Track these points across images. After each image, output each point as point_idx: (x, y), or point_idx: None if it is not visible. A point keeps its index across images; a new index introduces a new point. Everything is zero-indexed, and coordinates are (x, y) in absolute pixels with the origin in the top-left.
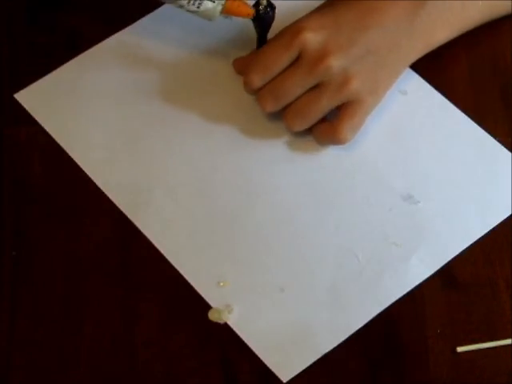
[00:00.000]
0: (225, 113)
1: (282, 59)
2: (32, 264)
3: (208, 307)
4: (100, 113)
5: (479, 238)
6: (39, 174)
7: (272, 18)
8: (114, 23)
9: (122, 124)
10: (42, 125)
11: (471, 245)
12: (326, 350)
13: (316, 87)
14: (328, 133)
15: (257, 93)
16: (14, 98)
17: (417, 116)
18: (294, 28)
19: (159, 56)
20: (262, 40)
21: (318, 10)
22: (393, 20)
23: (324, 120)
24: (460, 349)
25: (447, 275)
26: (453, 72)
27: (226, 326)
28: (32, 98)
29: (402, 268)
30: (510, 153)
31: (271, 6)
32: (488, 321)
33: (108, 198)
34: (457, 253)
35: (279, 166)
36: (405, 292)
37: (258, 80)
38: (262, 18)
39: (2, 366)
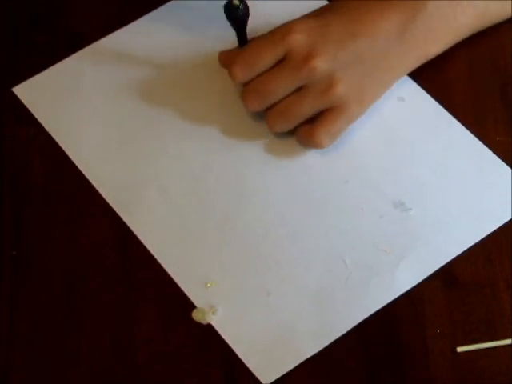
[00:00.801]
0: (219, 114)
1: (267, 57)
2: (32, 264)
3: None
4: (95, 110)
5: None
6: (39, 173)
7: (246, 15)
8: (114, 23)
9: (116, 122)
10: (38, 119)
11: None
12: (310, 355)
13: (300, 89)
14: (306, 136)
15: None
16: (15, 98)
17: (413, 124)
18: (283, 28)
19: (156, 55)
20: (241, 38)
21: (309, 14)
22: (382, 32)
23: (307, 123)
24: (460, 349)
25: (447, 275)
26: (453, 72)
27: None
28: (30, 92)
29: (390, 275)
30: (507, 166)
31: (243, 3)
32: (488, 321)
33: None
34: (445, 262)
35: (272, 169)
36: (391, 299)
37: (240, 74)
38: (235, 15)
39: (2, 365)
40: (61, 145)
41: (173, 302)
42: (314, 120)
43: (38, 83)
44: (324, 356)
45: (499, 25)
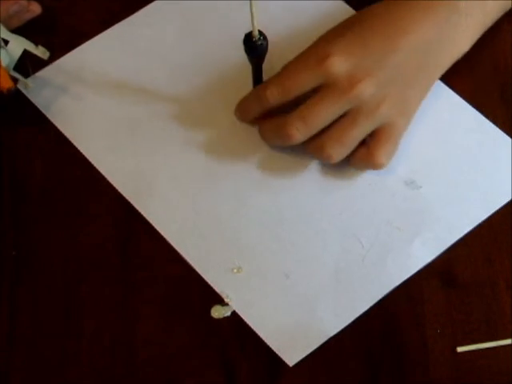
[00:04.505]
0: (227, 99)
1: (305, 82)
2: (32, 264)
3: (209, 306)
4: (102, 101)
5: (480, 237)
6: (39, 173)
7: (265, 49)
8: (113, 24)
9: (124, 112)
10: (46, 114)
11: (471, 245)
12: (331, 334)
13: (347, 114)
14: (365, 159)
15: (275, 122)
16: (15, 97)
17: None
18: (321, 52)
19: (158, 46)
20: (257, 73)
21: (339, 32)
22: (422, 40)
23: (359, 146)
24: (460, 349)
25: (447, 275)
26: (453, 72)
27: (226, 326)
28: (34, 88)
29: (405, 252)
30: (509, 138)
31: (263, 37)
32: (488, 321)
33: (108, 198)
34: (458, 237)
35: (283, 151)
36: (408, 276)
37: (275, 96)
38: (256, 49)
39: (2, 365)
40: (70, 139)
41: (173, 302)
42: (365, 142)
43: (41, 78)
44: (324, 356)
45: (499, 25)
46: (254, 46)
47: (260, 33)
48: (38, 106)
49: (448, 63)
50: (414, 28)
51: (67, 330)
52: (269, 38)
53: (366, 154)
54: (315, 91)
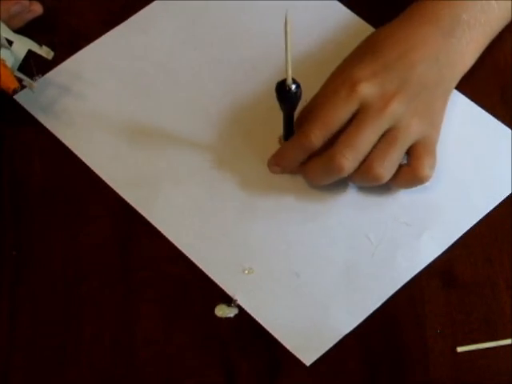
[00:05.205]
0: (228, 99)
1: (343, 114)
2: (32, 264)
3: (210, 306)
4: (101, 108)
5: (480, 237)
6: (39, 174)
7: (299, 97)
8: (114, 23)
9: (125, 118)
10: (44, 124)
11: (471, 245)
12: (346, 332)
13: (385, 134)
14: (410, 175)
15: (321, 153)
16: (15, 98)
17: None
18: (348, 81)
19: (158, 49)
20: (289, 121)
21: (357, 58)
22: (433, 53)
23: (400, 166)
24: (460, 349)
25: (447, 275)
26: None
27: (226, 326)
28: (32, 98)
29: (414, 246)
30: (509, 129)
31: (297, 84)
32: (488, 321)
33: (108, 198)
34: (465, 230)
35: None
36: (418, 270)
37: (318, 138)
38: (290, 98)
39: (2, 365)
40: (71, 148)
41: (173, 302)
42: (405, 161)
43: (39, 88)
44: (324, 356)
45: None
46: (288, 96)
47: (293, 80)
48: (35, 116)
49: (459, 75)
50: (424, 43)
51: (67, 330)
52: (264, 37)
53: (409, 170)
54: (351, 119)
